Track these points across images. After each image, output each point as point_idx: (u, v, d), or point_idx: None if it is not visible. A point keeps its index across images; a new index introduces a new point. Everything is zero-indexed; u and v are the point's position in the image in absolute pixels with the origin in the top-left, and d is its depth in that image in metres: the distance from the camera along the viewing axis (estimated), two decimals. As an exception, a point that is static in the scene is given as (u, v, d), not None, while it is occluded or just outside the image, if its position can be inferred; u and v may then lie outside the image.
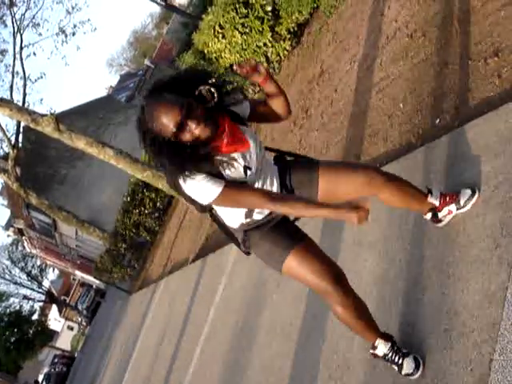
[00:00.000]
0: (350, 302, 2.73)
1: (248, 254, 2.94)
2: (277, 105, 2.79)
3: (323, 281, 2.67)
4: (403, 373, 2.88)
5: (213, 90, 2.47)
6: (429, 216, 3.20)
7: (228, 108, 2.62)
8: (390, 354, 2.91)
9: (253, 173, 2.64)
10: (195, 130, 2.38)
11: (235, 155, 2.57)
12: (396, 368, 2.92)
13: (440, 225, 3.22)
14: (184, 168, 2.44)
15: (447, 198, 3.12)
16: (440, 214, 3.16)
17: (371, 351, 2.98)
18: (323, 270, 2.69)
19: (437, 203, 3.13)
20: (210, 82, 2.50)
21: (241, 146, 2.60)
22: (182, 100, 2.36)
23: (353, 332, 2.98)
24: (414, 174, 3.86)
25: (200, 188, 2.50)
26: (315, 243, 2.88)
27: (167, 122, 2.35)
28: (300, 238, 2.83)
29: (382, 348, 2.92)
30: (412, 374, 2.85)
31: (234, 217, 2.79)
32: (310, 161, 3.00)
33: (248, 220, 2.79)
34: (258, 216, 2.78)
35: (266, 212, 2.77)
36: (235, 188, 2.54)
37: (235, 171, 2.56)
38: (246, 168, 2.60)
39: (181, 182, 2.50)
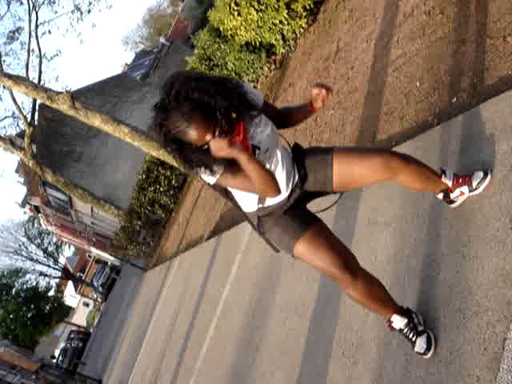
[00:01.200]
0: (360, 286, 2.76)
1: (263, 235, 2.98)
2: (297, 118, 2.99)
3: (331, 267, 2.72)
4: (415, 350, 2.91)
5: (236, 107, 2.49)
6: (440, 196, 3.21)
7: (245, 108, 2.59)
8: (406, 330, 2.94)
9: (261, 152, 2.68)
10: (219, 143, 2.42)
11: None
12: (410, 344, 2.96)
13: (453, 205, 3.21)
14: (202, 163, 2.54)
15: (460, 180, 3.11)
16: (452, 195, 3.16)
17: (387, 323, 3.01)
18: (331, 256, 2.73)
19: (450, 183, 3.12)
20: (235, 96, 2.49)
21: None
22: (211, 119, 2.39)
23: (367, 310, 3.00)
24: (430, 152, 3.84)
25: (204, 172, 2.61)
26: (325, 226, 2.89)
27: (197, 138, 2.40)
28: (310, 222, 2.85)
29: (398, 323, 2.95)
30: (423, 354, 2.87)
31: (247, 202, 2.89)
32: (325, 148, 3.00)
33: (260, 206, 2.85)
34: (270, 202, 2.83)
35: (278, 200, 2.82)
36: (230, 175, 2.62)
37: None
38: (254, 147, 2.66)
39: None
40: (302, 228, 2.79)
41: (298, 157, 2.93)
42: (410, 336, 2.93)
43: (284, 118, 2.95)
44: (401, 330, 2.96)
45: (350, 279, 2.73)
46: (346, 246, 2.88)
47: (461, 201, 3.17)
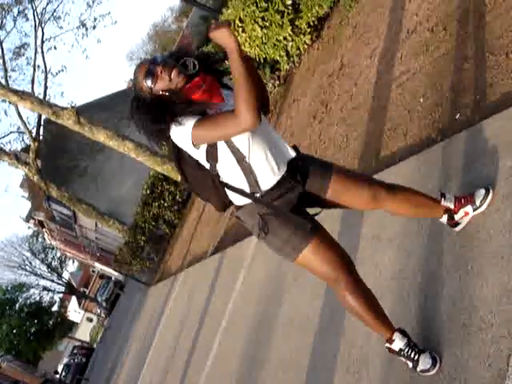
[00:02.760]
0: (361, 290, 2.77)
1: (259, 236, 2.85)
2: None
3: (335, 270, 2.73)
4: (418, 369, 2.87)
5: (194, 61, 2.65)
6: (445, 218, 3.17)
7: (216, 74, 2.76)
8: (407, 350, 2.87)
9: None
10: (164, 74, 2.57)
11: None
12: (411, 364, 2.90)
13: (457, 229, 3.19)
14: (169, 115, 2.59)
15: (462, 201, 3.11)
16: (456, 216, 3.14)
17: (387, 345, 2.95)
18: (336, 259, 2.74)
19: (452, 206, 3.11)
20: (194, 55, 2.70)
21: (216, 97, 2.68)
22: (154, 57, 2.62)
23: (366, 325, 2.94)
24: (433, 168, 3.85)
25: (182, 129, 2.58)
26: (327, 231, 2.90)
27: (141, 76, 2.60)
28: (316, 226, 2.83)
29: (399, 343, 2.88)
30: (428, 371, 2.83)
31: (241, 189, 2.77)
32: (324, 162, 3.04)
33: (256, 192, 2.73)
34: (264, 185, 2.73)
35: (271, 183, 2.74)
36: (209, 116, 2.58)
37: None
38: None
39: (171, 132, 2.64)
40: (311, 231, 2.75)
41: (300, 157, 2.90)
42: (412, 355, 2.87)
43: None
44: (401, 351, 2.89)
45: (353, 281, 2.75)
46: (345, 250, 2.89)
47: (465, 222, 3.15)
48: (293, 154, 2.84)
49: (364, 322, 2.90)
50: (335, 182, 2.87)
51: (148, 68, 2.57)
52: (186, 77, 2.59)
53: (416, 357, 2.87)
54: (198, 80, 2.63)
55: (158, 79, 2.57)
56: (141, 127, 2.68)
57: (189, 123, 2.55)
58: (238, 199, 2.83)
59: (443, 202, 3.09)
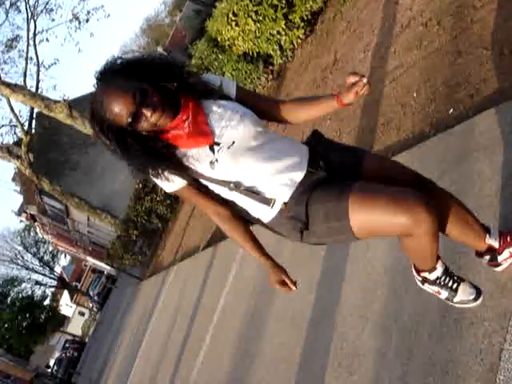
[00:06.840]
0: (437, 225, 2.10)
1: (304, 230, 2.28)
2: (307, 113, 2.51)
3: (398, 215, 2.03)
4: (455, 300, 2.51)
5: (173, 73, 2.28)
6: (486, 258, 2.61)
7: (196, 89, 2.31)
8: (444, 278, 2.44)
9: (223, 148, 2.24)
10: (151, 118, 2.15)
11: (196, 150, 2.28)
12: (446, 293, 2.50)
13: (498, 269, 2.64)
14: (143, 166, 2.38)
15: (508, 238, 2.54)
16: (500, 258, 2.57)
17: (422, 274, 2.46)
18: (393, 201, 2.05)
19: (496, 245, 2.54)
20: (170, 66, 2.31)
21: (202, 140, 2.26)
22: (134, 86, 2.13)
23: (414, 260, 2.47)
24: (426, 163, 3.84)
25: (166, 182, 2.39)
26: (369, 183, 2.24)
27: (120, 111, 2.12)
28: (352, 182, 2.22)
29: (438, 271, 2.42)
30: (468, 302, 2.52)
31: (262, 210, 2.37)
32: (357, 151, 2.52)
33: (279, 207, 2.32)
34: (279, 198, 2.30)
35: (287, 194, 2.27)
36: (193, 193, 2.41)
37: (200, 161, 2.29)
38: (212, 145, 2.26)
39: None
40: (345, 190, 2.17)
41: (319, 147, 2.44)
42: (450, 283, 2.47)
43: (282, 110, 2.48)
44: (437, 279, 2.44)
45: (430, 219, 2.04)
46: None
47: (508, 264, 2.60)
48: (304, 169, 2.31)
49: (420, 256, 2.37)
50: (367, 174, 2.34)
51: (134, 110, 2.12)
52: (170, 115, 2.21)
53: (455, 285, 2.48)
54: (181, 118, 2.23)
55: (143, 121, 2.17)
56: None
57: (173, 185, 2.39)
58: (262, 216, 2.39)
59: (488, 240, 2.53)
